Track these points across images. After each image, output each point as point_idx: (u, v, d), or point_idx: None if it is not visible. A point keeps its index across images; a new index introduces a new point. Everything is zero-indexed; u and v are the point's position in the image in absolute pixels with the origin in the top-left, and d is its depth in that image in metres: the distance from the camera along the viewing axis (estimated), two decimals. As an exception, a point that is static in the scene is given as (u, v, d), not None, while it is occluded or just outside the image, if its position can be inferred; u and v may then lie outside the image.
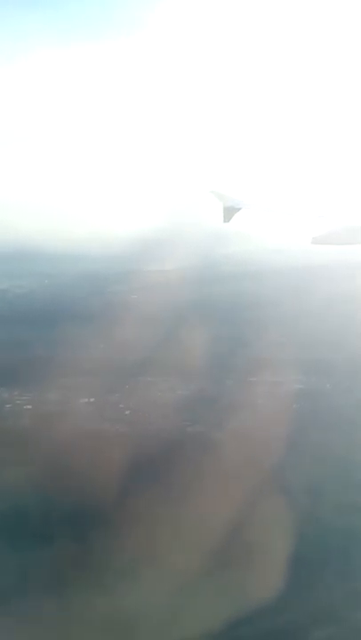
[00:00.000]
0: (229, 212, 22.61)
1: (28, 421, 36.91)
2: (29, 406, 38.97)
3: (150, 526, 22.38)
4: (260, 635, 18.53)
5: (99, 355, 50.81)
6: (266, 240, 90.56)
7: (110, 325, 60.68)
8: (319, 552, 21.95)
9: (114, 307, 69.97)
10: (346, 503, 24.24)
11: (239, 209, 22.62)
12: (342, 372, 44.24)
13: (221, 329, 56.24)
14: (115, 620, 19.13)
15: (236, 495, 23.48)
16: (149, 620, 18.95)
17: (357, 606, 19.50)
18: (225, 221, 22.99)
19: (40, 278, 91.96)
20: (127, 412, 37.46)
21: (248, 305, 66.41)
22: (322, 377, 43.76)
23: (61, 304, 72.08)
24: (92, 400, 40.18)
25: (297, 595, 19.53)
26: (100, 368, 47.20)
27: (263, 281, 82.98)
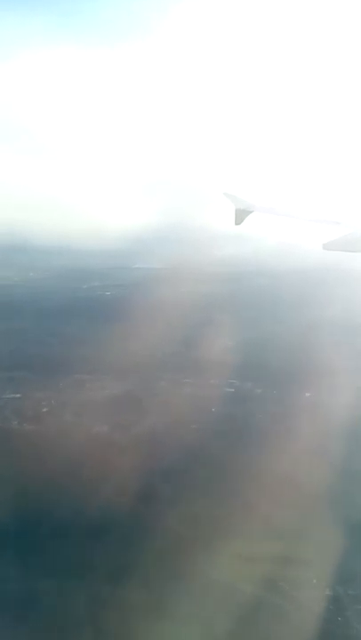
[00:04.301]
0: (241, 215, 21.94)
1: None
2: None
3: None
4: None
5: (47, 350, 50.65)
6: (267, 242, 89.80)
7: (70, 321, 60.69)
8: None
9: (83, 302, 70.05)
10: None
11: (251, 212, 21.96)
12: (283, 379, 43.22)
13: (179, 329, 55.17)
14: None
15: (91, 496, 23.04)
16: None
17: None
18: (236, 224, 22.30)
19: (26, 271, 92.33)
20: (45, 410, 37.09)
21: (219, 306, 65.30)
22: (258, 382, 42.71)
23: (35, 297, 72.14)
24: (17, 396, 39.89)
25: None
26: (43, 363, 47.08)
27: (248, 283, 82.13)
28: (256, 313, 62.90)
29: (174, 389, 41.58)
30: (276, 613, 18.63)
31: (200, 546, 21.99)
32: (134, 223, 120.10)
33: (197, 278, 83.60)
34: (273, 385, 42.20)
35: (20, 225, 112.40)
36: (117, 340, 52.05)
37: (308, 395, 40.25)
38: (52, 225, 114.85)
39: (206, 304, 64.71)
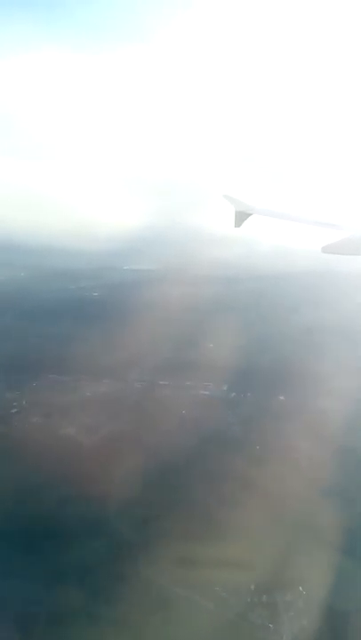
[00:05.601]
0: (241, 217, 21.88)
1: None
2: None
3: None
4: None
5: (27, 350, 50.32)
6: (262, 245, 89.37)
7: (54, 321, 60.35)
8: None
9: (69, 303, 69.56)
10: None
11: (251, 214, 21.88)
12: (259, 382, 42.95)
13: (161, 332, 54.93)
14: None
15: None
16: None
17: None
18: (236, 226, 22.30)
19: (17, 270, 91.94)
20: (14, 411, 36.92)
21: (207, 309, 64.72)
22: (234, 385, 42.43)
23: (23, 297, 71.93)
24: (-12, 396, 39.63)
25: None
26: (20, 363, 46.83)
27: (240, 286, 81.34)
28: (244, 316, 62.31)
29: (148, 391, 41.43)
30: (206, 619, 18.37)
31: (143, 549, 21.79)
32: (127, 224, 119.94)
33: (188, 281, 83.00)
34: (248, 388, 41.95)
35: (12, 224, 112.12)
36: (98, 341, 51.93)
37: (281, 398, 39.97)
38: (45, 225, 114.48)
39: (195, 307, 64.34)
